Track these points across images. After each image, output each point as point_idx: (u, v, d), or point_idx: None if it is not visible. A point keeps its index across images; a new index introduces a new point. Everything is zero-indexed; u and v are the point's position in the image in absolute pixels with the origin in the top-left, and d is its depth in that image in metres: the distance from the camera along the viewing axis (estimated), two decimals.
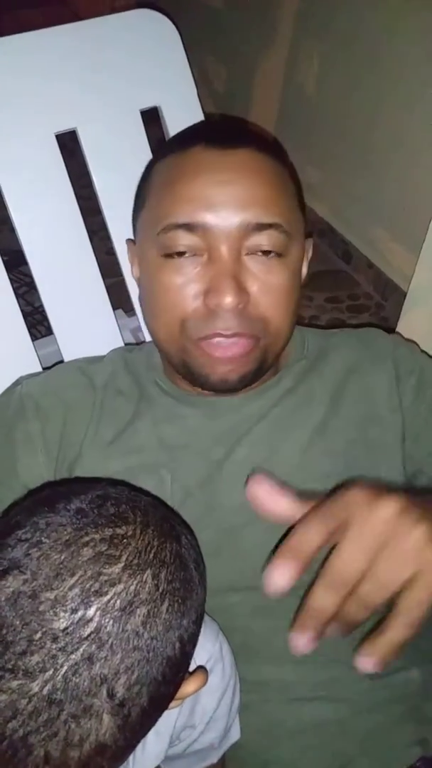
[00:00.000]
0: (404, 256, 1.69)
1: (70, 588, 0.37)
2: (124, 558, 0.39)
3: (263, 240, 0.60)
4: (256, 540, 0.62)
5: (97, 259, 0.84)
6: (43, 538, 0.39)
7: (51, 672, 0.36)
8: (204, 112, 0.86)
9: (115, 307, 0.87)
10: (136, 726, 0.39)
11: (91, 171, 0.82)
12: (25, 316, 0.81)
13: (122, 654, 0.37)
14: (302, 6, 1.86)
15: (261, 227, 0.60)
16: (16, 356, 0.79)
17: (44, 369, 0.79)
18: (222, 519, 0.54)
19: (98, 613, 0.37)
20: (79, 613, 0.37)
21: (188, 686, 0.43)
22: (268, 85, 2.07)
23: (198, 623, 0.43)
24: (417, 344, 0.79)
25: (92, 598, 0.37)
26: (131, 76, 0.82)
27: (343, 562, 0.40)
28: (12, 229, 0.79)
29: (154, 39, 0.82)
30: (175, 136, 0.83)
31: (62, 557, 0.38)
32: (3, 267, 0.77)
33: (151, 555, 0.40)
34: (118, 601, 0.37)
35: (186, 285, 0.61)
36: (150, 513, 0.43)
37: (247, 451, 0.65)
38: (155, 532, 0.42)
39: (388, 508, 0.40)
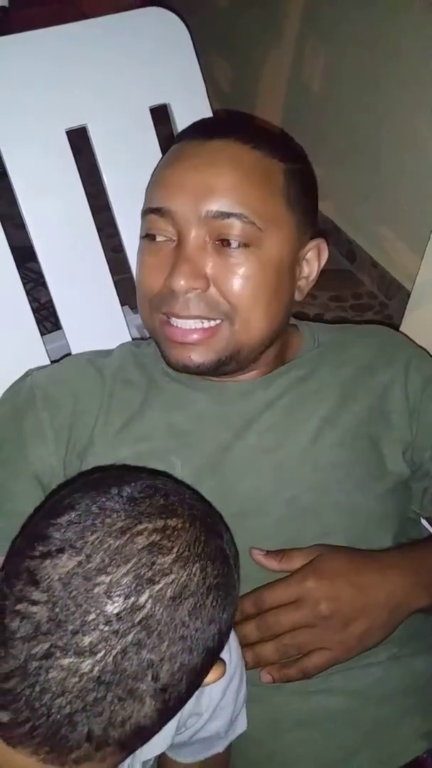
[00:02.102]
0: (408, 255, 1.70)
1: (125, 574, 0.38)
2: (175, 550, 0.40)
3: (228, 229, 0.61)
4: (265, 527, 0.63)
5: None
6: (97, 522, 0.40)
7: (102, 653, 0.37)
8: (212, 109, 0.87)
9: (121, 304, 0.87)
10: (171, 711, 0.40)
11: (100, 167, 0.83)
12: (32, 311, 0.82)
13: (169, 642, 0.38)
14: (308, 5, 1.87)
15: (223, 215, 0.61)
16: (25, 350, 0.79)
17: (52, 362, 0.80)
18: (231, 504, 0.56)
19: (150, 600, 0.38)
20: (132, 599, 0.38)
21: (210, 676, 0.44)
22: (274, 83, 2.07)
23: (233, 618, 0.44)
24: (419, 343, 0.80)
25: (145, 586, 0.38)
26: (141, 74, 0.82)
27: (278, 621, 0.57)
28: (17, 226, 0.80)
29: (164, 37, 0.83)
30: (179, 132, 0.84)
31: (117, 543, 0.39)
32: (13, 262, 0.78)
33: (200, 549, 0.42)
34: (169, 591, 0.39)
35: (156, 266, 0.64)
36: (196, 507, 0.45)
37: (256, 438, 0.66)
38: (202, 527, 0.43)
39: (329, 611, 0.56)
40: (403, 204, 1.68)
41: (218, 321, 0.63)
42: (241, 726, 0.57)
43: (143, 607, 0.38)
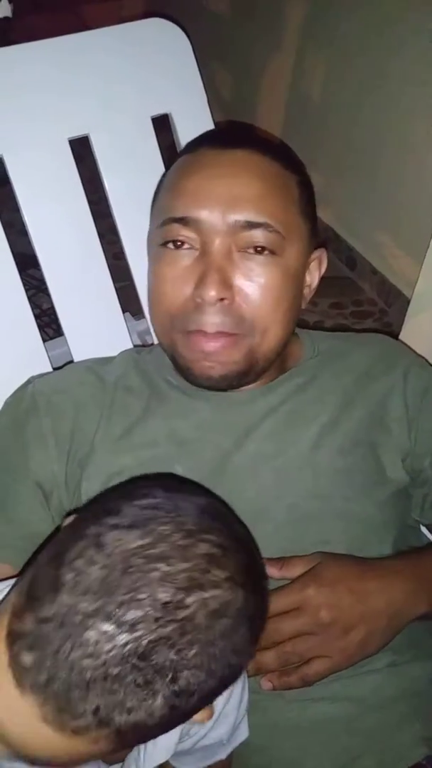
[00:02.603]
0: (408, 262, 1.70)
1: (182, 571, 0.39)
2: (228, 569, 0.41)
3: (254, 238, 0.62)
4: (265, 534, 0.63)
5: None
6: (169, 517, 0.42)
7: (140, 633, 0.37)
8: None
9: (123, 311, 0.88)
10: (172, 721, 0.41)
11: (102, 176, 0.83)
12: (34, 318, 0.82)
13: (196, 651, 0.39)
14: (308, 15, 1.88)
15: (251, 225, 0.62)
16: (27, 357, 0.80)
17: (54, 370, 0.80)
18: None
19: (195, 604, 0.39)
20: (180, 596, 0.39)
21: (198, 714, 0.44)
22: (274, 92, 2.08)
23: (252, 657, 0.45)
24: (418, 350, 0.81)
25: (195, 589, 0.39)
26: (143, 84, 0.83)
27: (278, 629, 0.57)
28: (19, 232, 0.81)
29: (166, 48, 0.84)
30: (189, 142, 0.85)
31: (182, 542, 0.41)
32: (15, 269, 0.79)
33: (248, 579, 0.43)
34: (213, 603, 0.40)
35: (179, 277, 0.63)
36: (252, 543, 0.47)
37: (257, 445, 0.66)
38: (255, 562, 0.45)
39: (329, 618, 0.56)
40: (402, 211, 1.68)
41: (239, 331, 0.63)
42: (243, 734, 0.57)
43: (188, 607, 0.39)
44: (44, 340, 0.83)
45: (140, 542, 0.40)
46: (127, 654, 0.37)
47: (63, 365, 0.80)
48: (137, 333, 0.91)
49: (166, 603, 0.38)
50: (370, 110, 1.71)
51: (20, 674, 0.38)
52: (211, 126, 0.87)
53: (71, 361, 0.82)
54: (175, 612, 0.38)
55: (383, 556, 0.64)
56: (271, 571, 0.60)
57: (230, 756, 0.57)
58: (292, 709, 0.60)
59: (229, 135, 0.77)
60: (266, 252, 0.62)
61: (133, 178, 0.83)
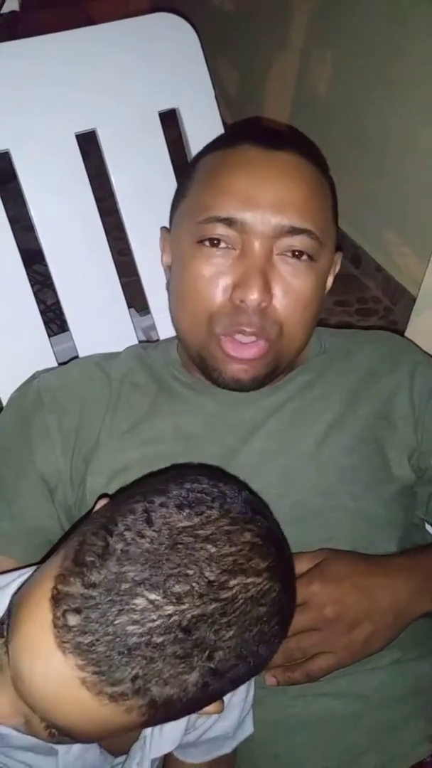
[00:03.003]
0: (413, 260, 1.70)
1: (228, 554, 0.41)
2: (269, 560, 0.43)
3: (296, 243, 0.62)
4: None
5: None
6: (216, 503, 0.43)
7: (186, 607, 0.39)
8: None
9: (128, 306, 0.88)
10: (200, 701, 0.42)
11: (109, 171, 0.83)
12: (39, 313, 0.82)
13: (233, 633, 0.40)
14: (315, 10, 1.87)
15: (295, 231, 0.61)
16: (33, 352, 0.80)
17: (60, 365, 0.80)
18: None
19: (237, 587, 0.41)
20: (225, 578, 0.41)
21: (211, 706, 0.45)
22: (281, 88, 2.08)
23: (276, 653, 0.46)
24: (423, 347, 0.81)
25: (238, 573, 0.41)
26: (151, 79, 0.83)
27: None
28: (24, 228, 0.81)
29: (174, 42, 0.83)
30: (221, 136, 0.84)
31: (229, 528, 0.42)
32: (21, 264, 0.79)
33: (284, 574, 0.45)
34: (253, 590, 0.42)
35: (216, 277, 0.63)
36: (283, 535, 0.49)
37: (262, 442, 0.66)
38: (290, 560, 0.47)
39: (334, 614, 0.56)
40: (408, 209, 1.68)
41: (271, 336, 0.63)
42: (248, 729, 0.57)
43: (230, 589, 0.41)
44: (49, 336, 0.83)
45: (188, 522, 0.42)
46: (171, 624, 0.38)
47: (68, 360, 0.80)
48: (142, 329, 0.91)
49: (212, 582, 0.40)
50: (376, 107, 1.71)
51: (63, 635, 0.38)
52: (218, 121, 0.87)
53: (76, 357, 0.82)
54: (218, 591, 0.40)
55: (388, 554, 0.64)
56: None
57: (234, 751, 0.58)
58: (296, 705, 0.60)
59: (271, 134, 0.76)
60: (305, 258, 0.62)
61: (139, 173, 0.83)
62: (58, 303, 0.83)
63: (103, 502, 0.48)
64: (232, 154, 0.66)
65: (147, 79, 0.83)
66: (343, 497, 0.65)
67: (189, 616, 0.39)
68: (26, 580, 0.45)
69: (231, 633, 0.40)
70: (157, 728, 0.49)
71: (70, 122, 0.80)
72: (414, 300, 1.04)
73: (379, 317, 1.82)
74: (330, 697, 0.60)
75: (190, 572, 0.40)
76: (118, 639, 0.38)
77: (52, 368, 0.77)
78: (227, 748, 0.56)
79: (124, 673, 0.38)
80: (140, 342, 0.87)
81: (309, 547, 0.61)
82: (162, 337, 0.87)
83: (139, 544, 0.40)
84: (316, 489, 0.65)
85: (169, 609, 0.38)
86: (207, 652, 0.39)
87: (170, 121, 0.86)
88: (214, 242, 0.62)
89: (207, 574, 0.40)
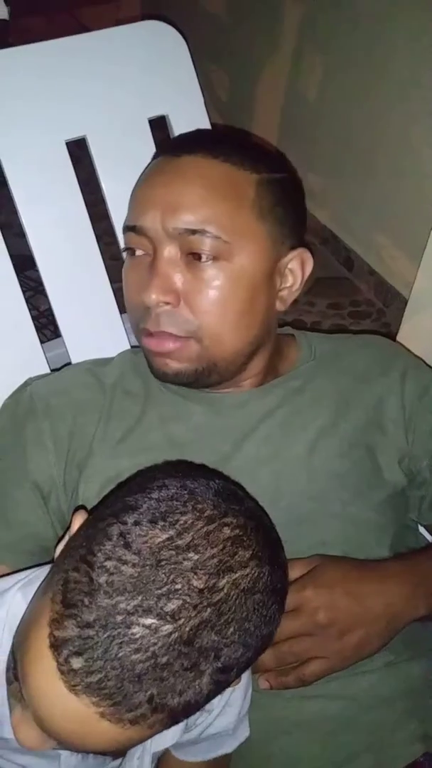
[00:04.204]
0: (405, 262, 1.71)
1: (211, 557, 0.42)
2: (252, 548, 0.44)
3: (196, 244, 0.62)
4: None
5: None
6: (188, 505, 0.43)
7: (182, 621, 0.39)
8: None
9: (120, 311, 0.88)
10: (216, 694, 0.42)
11: (99, 177, 0.83)
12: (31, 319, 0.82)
13: (234, 629, 0.41)
14: (306, 16, 1.89)
15: (190, 232, 0.62)
16: (25, 358, 0.80)
17: (52, 371, 0.80)
18: None
19: (227, 586, 0.41)
20: (213, 581, 0.41)
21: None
22: (272, 93, 2.09)
23: (276, 629, 0.46)
24: (416, 349, 0.81)
25: (225, 572, 0.42)
26: (140, 86, 0.83)
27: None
28: (16, 234, 0.81)
29: (163, 50, 0.84)
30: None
31: (206, 529, 0.43)
32: (13, 270, 0.79)
33: (270, 554, 0.45)
34: (243, 583, 0.42)
35: (136, 282, 0.66)
36: (266, 517, 0.49)
37: (254, 448, 0.66)
38: (272, 535, 0.48)
39: (326, 619, 0.57)
40: (399, 212, 1.69)
41: (185, 335, 0.63)
42: (245, 732, 0.57)
43: (221, 590, 0.41)
44: (42, 341, 0.83)
45: (166, 535, 0.41)
46: (173, 642, 0.39)
47: (61, 366, 0.80)
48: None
49: (202, 590, 0.40)
50: (367, 111, 1.72)
51: (71, 680, 0.38)
52: (207, 127, 0.88)
53: (69, 362, 0.83)
54: (210, 596, 0.40)
55: (381, 558, 0.64)
56: None
57: (228, 755, 0.58)
58: (291, 707, 0.61)
59: (183, 141, 0.76)
60: (209, 258, 0.62)
61: (130, 179, 0.83)
62: (50, 309, 0.83)
63: (78, 519, 0.48)
64: (147, 168, 0.70)
65: (136, 87, 0.83)
66: (335, 502, 0.65)
67: (188, 629, 0.39)
68: (18, 625, 0.44)
69: (232, 629, 0.41)
70: None
71: (60, 130, 0.80)
72: (406, 302, 1.04)
73: (372, 320, 1.83)
74: (323, 699, 0.60)
75: (179, 586, 0.40)
76: (125, 670, 0.38)
77: (45, 375, 0.77)
78: (228, 748, 0.57)
79: (139, 697, 0.38)
80: (133, 347, 0.87)
81: (301, 552, 0.62)
82: None
83: (122, 572, 0.40)
84: (308, 494, 0.65)
85: (167, 629, 0.39)
86: (213, 654, 0.40)
87: (160, 127, 0.87)
88: (132, 252, 0.66)
89: (195, 583, 0.40)
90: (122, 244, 0.84)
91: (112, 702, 0.38)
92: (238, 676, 0.44)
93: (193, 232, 0.62)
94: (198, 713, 0.52)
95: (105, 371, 0.73)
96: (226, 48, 2.27)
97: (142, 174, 0.70)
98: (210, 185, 0.63)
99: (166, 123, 0.86)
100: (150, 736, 0.42)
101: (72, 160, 0.82)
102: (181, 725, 0.52)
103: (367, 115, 1.72)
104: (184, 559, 0.41)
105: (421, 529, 0.76)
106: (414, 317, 1.02)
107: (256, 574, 0.43)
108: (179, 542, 0.41)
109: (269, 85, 2.09)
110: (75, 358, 0.83)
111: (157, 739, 0.50)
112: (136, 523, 0.42)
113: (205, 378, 0.66)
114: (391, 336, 0.87)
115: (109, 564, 0.40)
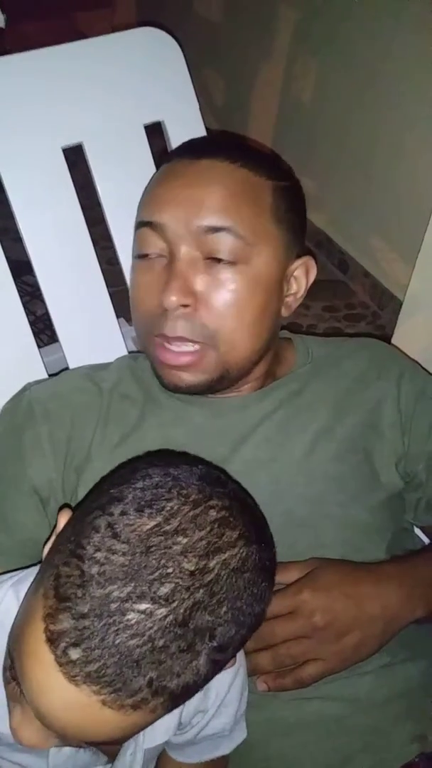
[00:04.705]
0: (400, 265, 1.72)
1: (199, 539, 0.42)
2: (239, 527, 0.44)
3: (218, 244, 0.62)
4: None
5: None
6: (173, 492, 0.44)
7: (176, 604, 0.40)
8: (204, 125, 0.89)
9: (117, 316, 0.89)
10: (214, 674, 0.43)
11: (96, 182, 0.84)
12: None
13: (227, 608, 0.42)
14: (300, 21, 1.90)
15: (214, 230, 0.62)
16: (22, 363, 0.80)
17: (50, 376, 0.81)
18: None
19: (218, 566, 0.42)
20: (204, 562, 0.42)
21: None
22: (267, 97, 2.10)
23: (268, 606, 0.47)
24: (410, 352, 0.82)
25: (215, 553, 0.42)
26: (136, 93, 0.84)
27: (274, 632, 0.58)
28: (13, 239, 0.81)
29: (158, 56, 0.85)
30: (168, 152, 0.86)
31: (192, 512, 0.43)
32: (10, 275, 0.79)
33: (256, 532, 0.46)
34: (233, 562, 0.43)
35: (150, 284, 0.65)
36: (249, 498, 0.50)
37: (252, 451, 0.67)
38: (257, 514, 0.48)
39: (324, 622, 0.57)
40: (394, 215, 1.70)
41: (203, 344, 0.63)
42: (242, 734, 0.58)
43: (212, 570, 0.42)
44: (39, 347, 0.83)
45: (154, 522, 0.42)
46: (168, 625, 0.39)
47: (58, 372, 0.80)
48: (132, 338, 0.92)
49: (193, 571, 0.41)
50: (361, 115, 1.73)
51: (71, 671, 0.39)
52: (203, 132, 0.88)
53: (66, 368, 0.83)
54: (202, 577, 0.41)
55: (378, 560, 0.65)
56: None
57: (226, 756, 0.58)
58: (288, 708, 0.61)
59: (203, 145, 0.78)
60: (229, 261, 0.62)
61: (126, 184, 0.84)
62: (47, 314, 0.84)
63: (64, 518, 0.48)
64: (163, 168, 0.70)
65: (132, 93, 0.84)
66: (332, 505, 0.66)
67: (182, 611, 0.40)
68: (12, 625, 0.45)
69: (224, 608, 0.42)
70: None
71: (57, 136, 0.81)
72: (401, 305, 1.05)
73: (367, 322, 1.84)
74: (321, 701, 0.61)
75: (170, 570, 0.40)
76: (123, 656, 0.39)
77: (43, 380, 0.77)
78: (225, 749, 0.57)
79: (139, 682, 0.39)
80: (130, 352, 0.87)
81: (299, 554, 0.62)
82: None
83: (113, 561, 0.40)
84: (305, 497, 0.66)
85: (162, 612, 0.39)
86: (208, 634, 0.41)
87: (156, 131, 0.87)
88: (146, 255, 0.65)
89: (186, 566, 0.41)
90: (118, 249, 0.85)
91: (113, 689, 0.39)
92: (234, 654, 0.45)
93: (217, 229, 0.62)
94: (193, 713, 0.53)
95: (103, 376, 0.73)
96: (221, 52, 2.28)
97: (155, 175, 0.70)
98: (232, 187, 0.64)
99: (162, 129, 0.87)
100: (153, 721, 0.42)
101: (68, 165, 0.82)
102: (174, 722, 0.52)
103: (361, 119, 1.73)
104: (173, 544, 0.41)
105: (418, 531, 0.77)
106: (408, 320, 1.02)
107: (244, 554, 0.44)
108: (167, 528, 0.42)
109: (264, 89, 2.10)
110: (72, 363, 0.84)
111: (150, 735, 0.51)
112: (123, 513, 0.42)
113: (215, 386, 0.66)
114: (386, 338, 0.88)
115: (99, 555, 0.41)
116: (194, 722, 0.54)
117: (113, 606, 0.39)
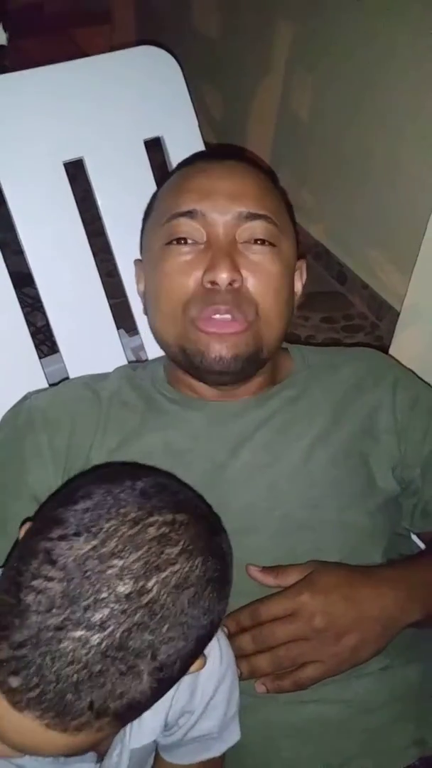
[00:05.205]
0: (397, 276, 1.73)
1: (136, 560, 0.42)
2: (181, 542, 0.44)
3: (256, 229, 0.67)
4: (259, 544, 0.64)
5: None
6: (112, 512, 0.44)
7: (111, 629, 0.40)
8: (203, 140, 0.91)
9: (117, 327, 0.90)
10: (162, 690, 0.43)
11: (96, 196, 0.85)
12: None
13: (169, 625, 0.42)
14: (297, 36, 1.92)
15: (253, 217, 0.66)
16: (23, 373, 0.81)
17: (50, 386, 0.82)
18: (226, 522, 0.57)
19: (156, 586, 0.42)
20: (141, 583, 0.41)
21: (193, 666, 0.47)
22: (264, 112, 2.12)
23: (224, 612, 0.47)
24: (408, 362, 0.83)
25: (153, 573, 0.42)
26: (136, 109, 0.86)
27: (273, 634, 0.58)
28: (14, 252, 0.83)
29: (157, 74, 0.87)
30: (182, 161, 0.88)
31: (130, 532, 0.43)
32: (11, 287, 0.80)
33: (202, 544, 0.45)
34: (174, 579, 0.43)
35: (186, 268, 0.66)
36: (200, 505, 0.50)
37: (250, 456, 0.68)
38: (205, 524, 0.47)
39: (322, 624, 0.58)
40: (391, 227, 1.71)
41: (247, 316, 0.65)
42: (235, 735, 0.58)
43: (150, 591, 0.41)
44: (40, 357, 0.84)
45: (90, 546, 0.42)
46: (104, 649, 0.40)
47: (59, 382, 0.81)
48: (131, 349, 0.93)
49: (129, 594, 0.41)
50: (358, 128, 1.75)
51: (12, 698, 0.40)
52: (201, 147, 0.90)
53: (67, 378, 0.84)
54: (139, 599, 0.41)
55: (375, 564, 0.65)
56: (267, 579, 0.62)
57: (223, 757, 0.58)
58: (286, 711, 0.61)
59: (217, 152, 0.83)
60: (266, 243, 0.67)
61: (125, 198, 0.85)
62: (48, 325, 0.85)
63: (25, 528, 0.49)
64: (187, 169, 0.74)
65: (132, 110, 0.86)
66: (330, 510, 0.66)
67: (118, 634, 0.40)
68: None
69: (167, 626, 0.41)
70: (135, 721, 0.50)
71: (58, 151, 0.83)
72: (399, 315, 1.06)
73: (366, 333, 1.85)
74: (319, 704, 0.61)
75: (104, 595, 0.40)
76: (61, 683, 0.39)
77: (43, 389, 0.78)
78: (215, 751, 0.57)
79: (80, 705, 0.40)
80: (130, 362, 0.88)
81: (297, 558, 0.63)
82: (151, 357, 0.89)
83: (49, 590, 0.40)
84: (304, 502, 0.66)
85: (96, 638, 0.40)
86: (149, 654, 0.41)
87: (155, 146, 0.89)
88: (181, 240, 0.67)
89: (121, 589, 0.41)
90: (118, 261, 0.86)
91: (55, 713, 0.39)
92: (185, 668, 0.44)
93: (257, 216, 0.66)
94: (179, 713, 0.53)
95: (102, 385, 0.74)
96: (219, 68, 2.31)
97: (180, 175, 0.73)
98: (262, 182, 0.71)
99: (161, 144, 0.89)
100: (105, 738, 0.43)
101: (69, 178, 0.84)
102: (160, 722, 0.53)
103: (358, 133, 1.75)
104: (108, 567, 0.41)
105: (414, 538, 0.77)
106: (405, 330, 1.03)
107: (186, 569, 0.43)
108: (103, 550, 0.42)
109: (262, 104, 2.13)
110: (72, 374, 0.85)
111: (136, 736, 0.51)
112: (62, 538, 0.42)
113: (249, 365, 0.67)
114: (384, 349, 0.89)
115: (35, 583, 0.41)
116: (181, 723, 0.54)
117: (48, 635, 0.39)
